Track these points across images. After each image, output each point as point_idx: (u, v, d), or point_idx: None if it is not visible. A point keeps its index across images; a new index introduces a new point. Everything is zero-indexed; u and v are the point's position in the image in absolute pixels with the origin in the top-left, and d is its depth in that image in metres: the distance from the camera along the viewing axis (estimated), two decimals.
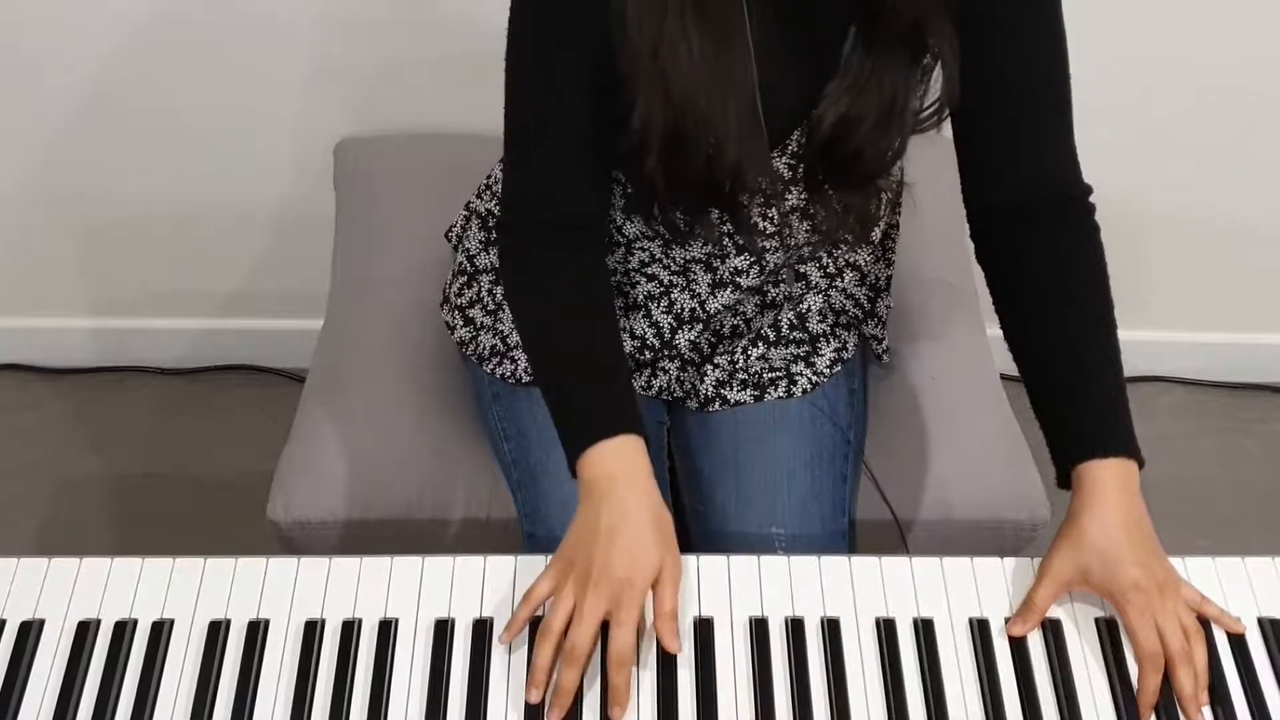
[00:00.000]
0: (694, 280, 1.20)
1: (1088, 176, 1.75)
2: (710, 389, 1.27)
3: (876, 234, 1.23)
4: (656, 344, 1.25)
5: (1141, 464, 1.01)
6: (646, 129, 1.01)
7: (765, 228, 1.15)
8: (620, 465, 1.01)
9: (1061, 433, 1.04)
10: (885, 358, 1.37)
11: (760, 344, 1.26)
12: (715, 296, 1.21)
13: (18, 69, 1.65)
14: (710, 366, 1.26)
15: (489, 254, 1.31)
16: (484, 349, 1.29)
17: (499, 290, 1.29)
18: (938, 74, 1.04)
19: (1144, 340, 2.03)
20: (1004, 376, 1.47)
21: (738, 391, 1.26)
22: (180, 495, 1.92)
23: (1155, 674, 0.94)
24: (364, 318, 1.47)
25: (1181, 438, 2.02)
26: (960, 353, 1.45)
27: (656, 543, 0.98)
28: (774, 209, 1.13)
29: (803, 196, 1.13)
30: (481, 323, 1.31)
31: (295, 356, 1.93)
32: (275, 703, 0.93)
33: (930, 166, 1.62)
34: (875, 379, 1.40)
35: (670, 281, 1.22)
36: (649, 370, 1.27)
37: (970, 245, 1.61)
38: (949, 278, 1.53)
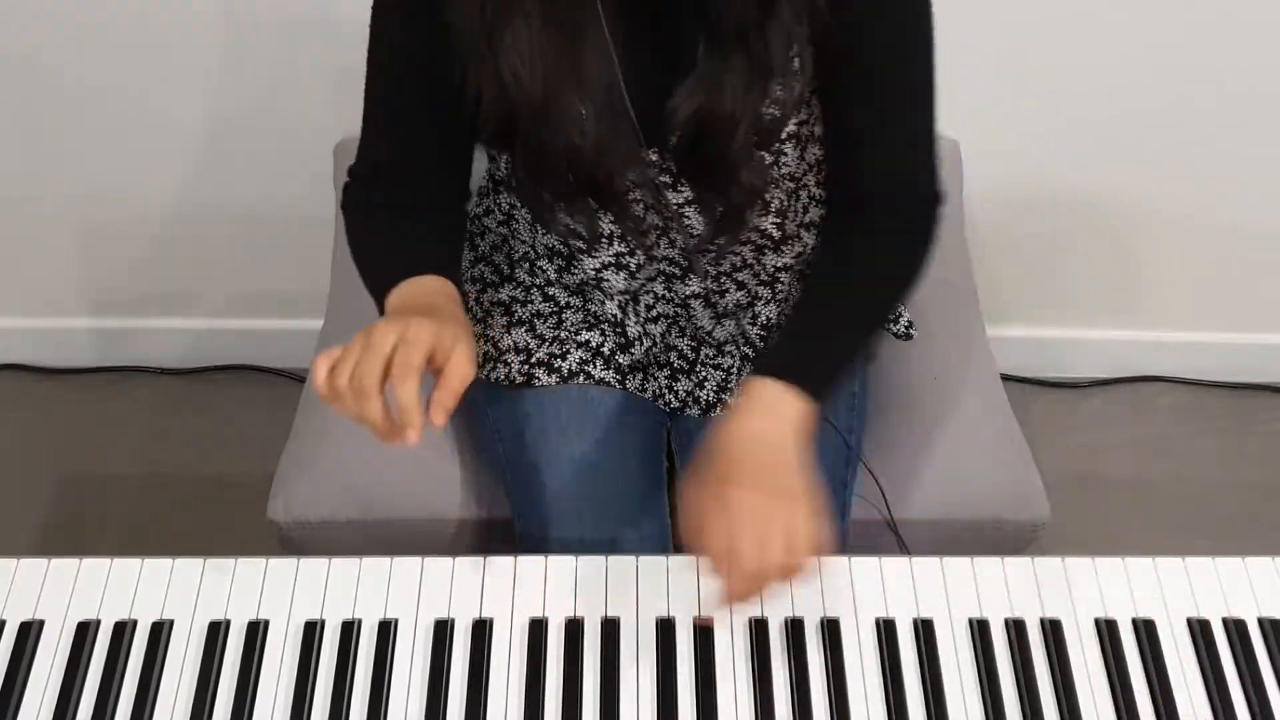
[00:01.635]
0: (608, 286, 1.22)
1: (1090, 176, 1.76)
2: (711, 394, 1.27)
3: (793, 226, 1.21)
4: (637, 350, 1.26)
5: (818, 413, 1.00)
6: (487, 121, 1.03)
7: (654, 221, 1.15)
8: (428, 289, 0.99)
9: (763, 353, 1.07)
10: (913, 332, 1.35)
11: (748, 364, 1.26)
12: (637, 305, 1.22)
13: (18, 68, 1.65)
14: (708, 371, 1.27)
15: (473, 269, 1.32)
16: (478, 355, 1.30)
17: (485, 297, 1.30)
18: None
19: (1144, 340, 2.03)
20: (1004, 376, 1.47)
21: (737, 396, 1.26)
22: (180, 495, 1.92)
23: (721, 570, 0.91)
24: (364, 318, 1.46)
25: (1181, 438, 2.02)
26: (960, 353, 1.44)
27: (457, 322, 0.95)
28: (669, 195, 1.13)
29: (689, 193, 1.13)
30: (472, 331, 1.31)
31: (295, 356, 1.93)
32: (275, 703, 0.93)
33: None
34: (875, 379, 1.40)
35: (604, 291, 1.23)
36: (642, 374, 1.27)
37: (970, 245, 1.62)
38: (949, 277, 1.53)
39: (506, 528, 1.28)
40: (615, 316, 1.25)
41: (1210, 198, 1.80)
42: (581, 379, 1.24)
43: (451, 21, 1.00)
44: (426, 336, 0.88)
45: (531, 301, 1.28)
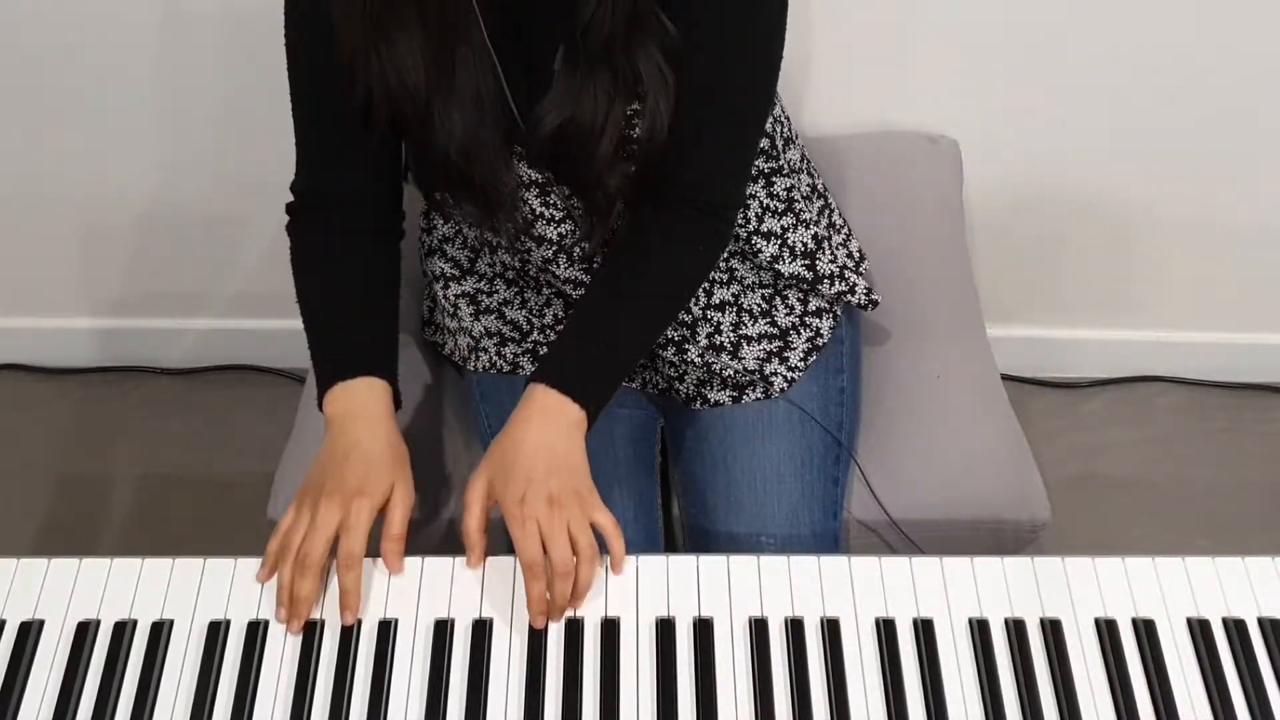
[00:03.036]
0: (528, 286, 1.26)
1: (1089, 176, 1.76)
2: (691, 388, 1.28)
3: (744, 233, 1.24)
4: None
5: (589, 421, 1.06)
6: (378, 118, 1.06)
7: (552, 215, 1.17)
8: (360, 404, 1.07)
9: (549, 354, 1.11)
10: (876, 298, 1.34)
11: (723, 354, 1.26)
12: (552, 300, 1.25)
13: (18, 68, 1.65)
14: (688, 368, 1.27)
15: (428, 263, 1.34)
16: (464, 349, 1.31)
17: (450, 291, 1.31)
18: None
19: (1144, 340, 2.03)
20: (1004, 376, 1.47)
21: (717, 391, 1.27)
22: (180, 495, 1.92)
23: (533, 581, 0.97)
24: None
25: (1181, 438, 2.02)
26: (960, 353, 1.45)
27: (389, 466, 1.04)
28: (552, 196, 1.15)
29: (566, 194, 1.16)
30: (449, 326, 1.33)
31: (295, 356, 1.92)
32: (275, 703, 0.93)
33: (929, 166, 1.62)
34: (877, 378, 1.40)
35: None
36: None
37: (970, 245, 1.62)
38: (949, 277, 1.53)
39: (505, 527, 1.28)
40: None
41: (1210, 198, 1.80)
42: (538, 361, 1.24)
43: (336, 23, 1.03)
44: (366, 517, 0.99)
45: (496, 292, 1.29)
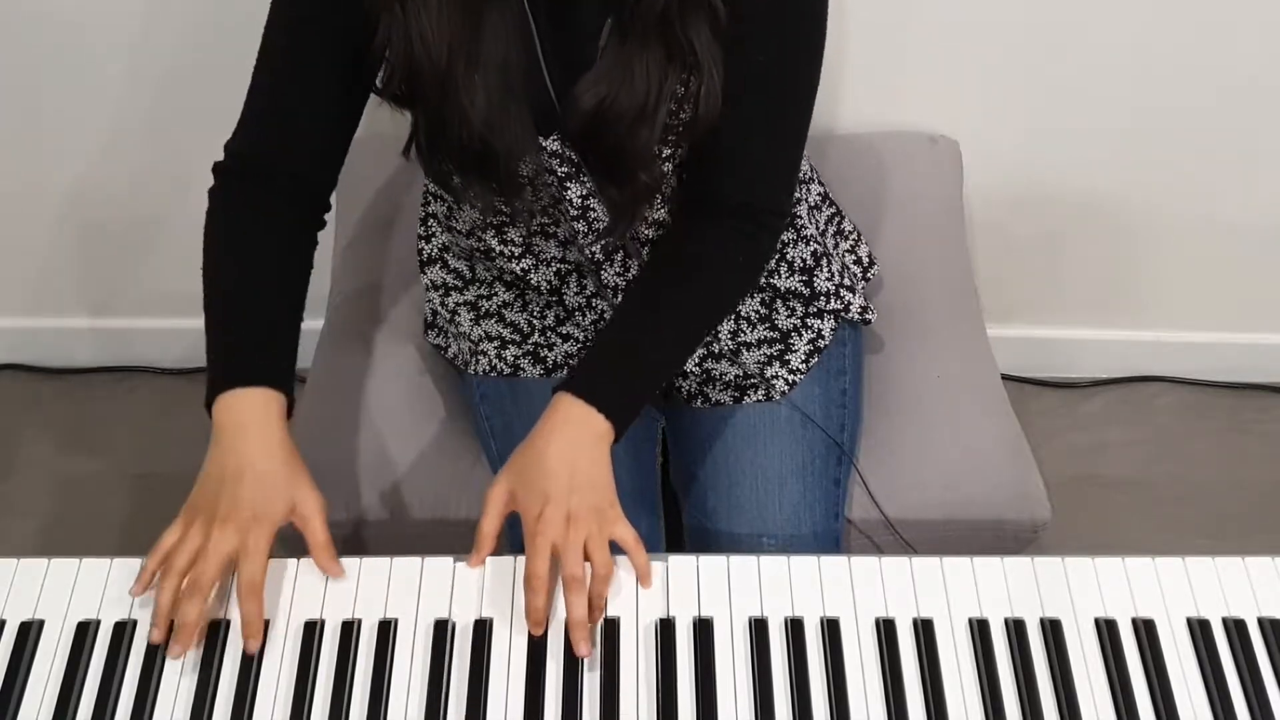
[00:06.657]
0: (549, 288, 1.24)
1: (1089, 176, 1.75)
2: (693, 385, 1.28)
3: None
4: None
5: (617, 435, 1.04)
6: (392, 77, 1.01)
7: (567, 209, 1.14)
8: (252, 415, 1.01)
9: (580, 364, 1.08)
10: (870, 317, 1.34)
11: (722, 360, 1.26)
12: (572, 296, 1.23)
13: (18, 68, 1.65)
14: (688, 372, 1.27)
15: (428, 272, 1.33)
16: (464, 353, 1.31)
17: (450, 300, 1.31)
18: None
19: (1144, 340, 2.03)
20: (1004, 376, 1.47)
21: (719, 392, 1.27)
22: (180, 495, 1.89)
23: (533, 595, 0.95)
24: (364, 319, 1.47)
25: (1181, 438, 2.02)
26: (960, 353, 1.45)
27: (288, 482, 1.00)
28: (570, 192, 1.12)
29: (590, 185, 1.12)
30: (450, 331, 1.33)
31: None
32: (275, 703, 0.93)
33: (929, 166, 1.62)
34: (877, 379, 1.40)
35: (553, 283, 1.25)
36: None
37: (970, 245, 1.62)
38: (949, 277, 1.53)
39: (506, 528, 1.28)
40: (582, 304, 1.26)
41: (1210, 198, 1.80)
42: (567, 371, 1.24)
43: None
44: (265, 544, 0.96)
45: (496, 295, 1.29)
